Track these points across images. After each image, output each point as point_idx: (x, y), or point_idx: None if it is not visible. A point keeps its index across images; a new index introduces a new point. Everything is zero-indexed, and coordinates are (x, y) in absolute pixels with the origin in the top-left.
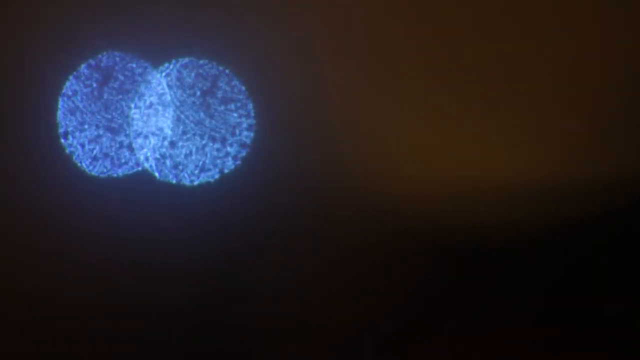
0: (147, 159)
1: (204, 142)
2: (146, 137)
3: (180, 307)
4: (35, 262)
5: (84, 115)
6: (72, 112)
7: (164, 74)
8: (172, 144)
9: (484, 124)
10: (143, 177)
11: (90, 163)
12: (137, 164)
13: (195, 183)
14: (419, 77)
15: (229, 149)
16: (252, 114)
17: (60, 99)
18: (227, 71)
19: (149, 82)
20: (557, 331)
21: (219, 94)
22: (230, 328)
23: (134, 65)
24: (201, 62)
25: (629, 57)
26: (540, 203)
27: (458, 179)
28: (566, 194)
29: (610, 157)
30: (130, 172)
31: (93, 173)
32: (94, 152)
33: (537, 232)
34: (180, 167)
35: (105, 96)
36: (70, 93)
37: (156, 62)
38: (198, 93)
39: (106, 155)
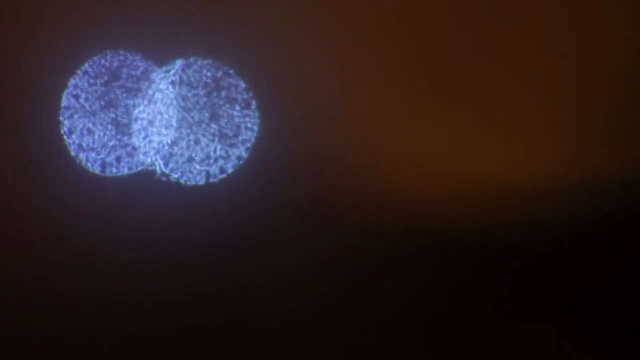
0: (150, 158)
1: (207, 141)
2: (150, 136)
3: (183, 306)
4: (36, 262)
5: (88, 115)
6: (76, 111)
7: (168, 73)
8: (176, 144)
9: (484, 125)
10: (146, 177)
11: (94, 162)
12: (141, 164)
13: (199, 183)
14: (422, 78)
15: (232, 149)
16: (256, 114)
17: (64, 98)
18: (231, 71)
19: (153, 81)
20: (559, 331)
21: (223, 94)
22: (231, 328)
23: (138, 65)
24: (205, 61)
25: (629, 57)
26: (542, 203)
27: (459, 179)
28: (567, 194)
29: (612, 158)
30: (134, 171)
31: (96, 172)
32: (98, 151)
33: (538, 232)
34: (184, 167)
35: (110, 95)
36: (74, 92)
37: (160, 62)
38: (202, 93)
39: (110, 154)
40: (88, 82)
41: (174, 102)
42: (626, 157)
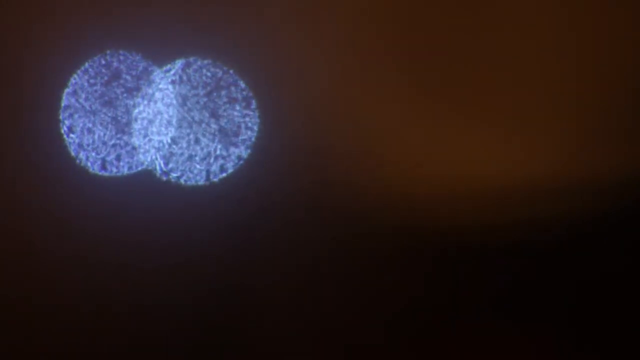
0: (150, 158)
1: (207, 141)
2: (150, 136)
3: (183, 306)
4: (36, 262)
5: (88, 114)
6: (76, 111)
7: (168, 73)
8: (176, 144)
9: (484, 125)
10: (147, 177)
11: (94, 162)
12: (141, 163)
13: (199, 182)
14: (422, 78)
15: (233, 148)
16: (256, 114)
17: (64, 98)
18: (231, 71)
19: (153, 81)
20: (559, 331)
21: (223, 94)
22: (231, 328)
23: (139, 65)
24: (205, 61)
25: (629, 57)
26: (542, 203)
27: (459, 179)
28: (567, 194)
29: (612, 158)
30: (134, 171)
31: (97, 172)
32: (98, 150)
33: (538, 232)
34: (184, 166)
35: (110, 95)
36: (74, 92)
37: (160, 62)
38: (202, 92)
39: (110, 154)
40: (88, 81)
41: (174, 101)
42: (626, 157)
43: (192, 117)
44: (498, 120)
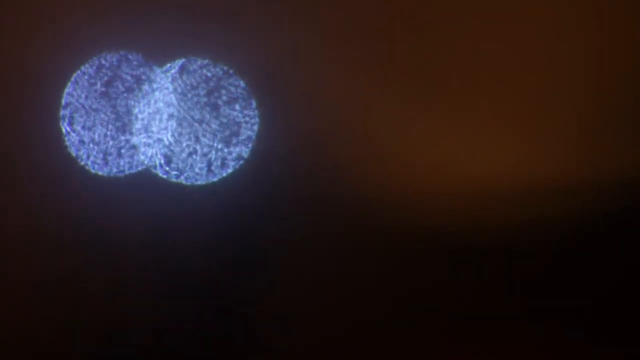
0: (150, 158)
1: (208, 141)
2: (150, 136)
3: (183, 306)
4: (35, 262)
5: (88, 114)
6: (76, 111)
7: (168, 73)
8: (176, 144)
9: (484, 125)
10: (147, 177)
11: (94, 162)
12: (141, 163)
13: (200, 183)
14: (422, 77)
15: (233, 148)
16: (256, 113)
17: (64, 98)
18: (231, 71)
19: (153, 81)
20: (559, 331)
21: (223, 94)
22: (232, 328)
23: (138, 65)
24: (205, 61)
25: (630, 56)
26: (542, 203)
27: (459, 179)
28: (567, 194)
29: (612, 158)
30: (134, 171)
31: (96, 172)
32: (98, 150)
33: (538, 232)
34: (184, 167)
35: (110, 95)
36: (74, 92)
37: (160, 62)
38: (202, 93)
39: (110, 154)
40: (88, 81)
41: (174, 101)
42: (626, 157)
43: (192, 116)
44: (498, 121)
